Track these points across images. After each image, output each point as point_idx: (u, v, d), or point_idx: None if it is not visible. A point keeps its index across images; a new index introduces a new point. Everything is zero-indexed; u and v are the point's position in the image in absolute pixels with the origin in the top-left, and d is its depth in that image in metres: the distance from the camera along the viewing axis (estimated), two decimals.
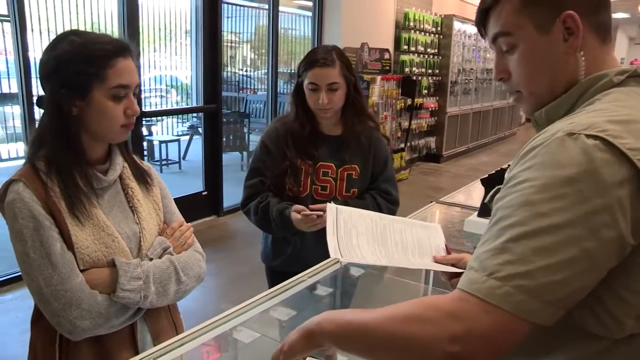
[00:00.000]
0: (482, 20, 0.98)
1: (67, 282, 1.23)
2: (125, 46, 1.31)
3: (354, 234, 1.25)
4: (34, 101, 3.80)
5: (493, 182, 2.12)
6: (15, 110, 5.73)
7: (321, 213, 1.91)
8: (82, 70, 1.25)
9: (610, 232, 0.71)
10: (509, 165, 2.31)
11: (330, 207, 1.25)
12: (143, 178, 1.48)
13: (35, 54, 4.03)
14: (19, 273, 1.28)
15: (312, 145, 2.07)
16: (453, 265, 1.24)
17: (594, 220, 0.71)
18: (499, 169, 2.20)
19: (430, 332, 0.73)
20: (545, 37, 0.89)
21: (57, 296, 1.23)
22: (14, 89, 4.20)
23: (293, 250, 2.13)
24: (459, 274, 1.18)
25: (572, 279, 0.72)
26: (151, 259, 1.39)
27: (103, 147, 1.38)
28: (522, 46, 0.91)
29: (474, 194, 2.73)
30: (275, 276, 2.06)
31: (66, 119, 1.27)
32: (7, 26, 4.00)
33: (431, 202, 2.58)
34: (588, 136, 0.74)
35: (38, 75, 1.33)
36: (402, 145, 7.72)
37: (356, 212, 1.28)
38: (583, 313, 0.78)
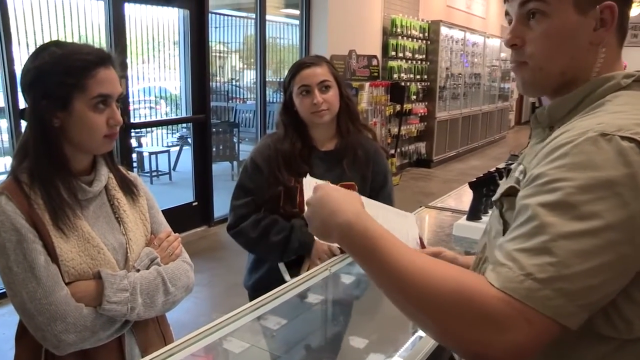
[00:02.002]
0: None
1: (51, 296, 1.22)
2: (106, 56, 1.30)
3: None
4: (19, 111, 3.78)
5: (481, 185, 2.13)
6: (2, 124, 5.69)
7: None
8: (63, 81, 1.24)
9: None
10: (497, 169, 2.32)
11: (308, 183, 1.15)
12: (129, 188, 1.46)
13: (22, 66, 4.00)
14: (3, 290, 1.27)
15: (306, 163, 1.96)
16: None
17: (632, 224, 0.70)
18: (487, 172, 2.21)
19: (464, 331, 0.72)
20: (580, 18, 0.87)
21: (42, 310, 1.21)
22: (0, 102, 4.16)
23: (270, 266, 2.04)
24: None
25: (607, 284, 0.71)
26: (138, 270, 1.37)
27: (87, 158, 1.37)
28: (554, 19, 0.88)
29: (464, 197, 2.73)
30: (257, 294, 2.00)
31: (48, 131, 1.26)
32: None
33: (420, 207, 2.58)
34: (622, 138, 0.73)
35: (20, 87, 1.32)
36: (392, 151, 7.73)
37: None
38: (594, 314, 0.77)
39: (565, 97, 0.90)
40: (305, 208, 1.00)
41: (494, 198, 0.97)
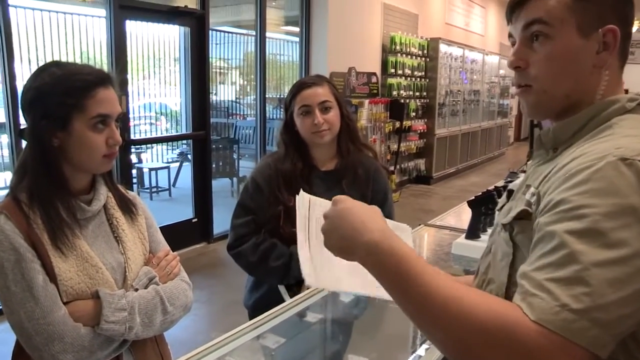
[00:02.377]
0: (521, 1, 0.92)
1: (49, 316, 1.21)
2: (105, 76, 1.31)
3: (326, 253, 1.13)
4: (19, 130, 3.81)
5: (480, 204, 2.13)
6: (3, 140, 5.72)
7: None
8: (62, 101, 1.25)
9: None
10: (495, 187, 2.32)
11: (302, 199, 1.09)
12: (128, 208, 1.47)
13: (23, 83, 4.03)
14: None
15: (306, 183, 1.95)
16: None
17: None
18: (485, 190, 2.21)
19: None
20: (582, 41, 0.88)
21: (39, 330, 1.21)
22: (2, 118, 4.19)
23: (270, 286, 2.03)
24: None
25: (638, 311, 0.71)
26: (136, 290, 1.36)
27: (86, 178, 1.37)
28: (558, 42, 0.89)
29: (463, 215, 2.73)
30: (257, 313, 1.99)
31: (47, 150, 1.27)
32: None
33: (419, 225, 2.58)
34: None
35: (20, 106, 1.33)
36: (392, 168, 7.74)
37: (326, 205, 1.15)
38: None
39: (571, 119, 0.90)
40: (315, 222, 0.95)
41: (504, 221, 0.94)
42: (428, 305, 0.75)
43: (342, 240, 0.88)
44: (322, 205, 1.09)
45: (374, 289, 0.94)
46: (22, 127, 1.35)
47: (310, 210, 1.07)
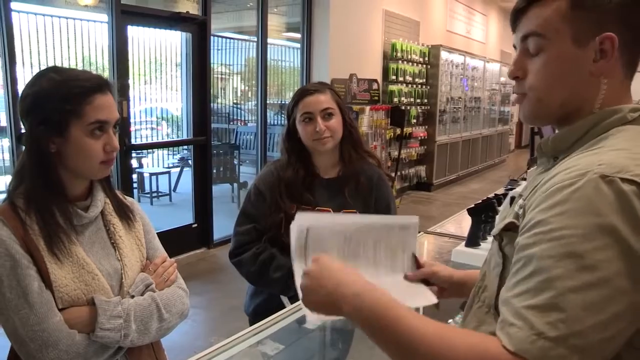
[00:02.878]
0: (521, 11, 0.92)
1: (44, 322, 1.21)
2: (103, 82, 1.31)
3: None
4: (17, 136, 3.81)
5: (479, 212, 2.13)
6: (4, 144, 5.73)
7: None
8: (59, 107, 1.24)
9: None
10: (495, 195, 2.32)
11: (299, 224, 1.09)
12: (125, 214, 1.46)
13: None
14: None
15: (308, 191, 1.95)
16: (425, 281, 1.20)
17: (638, 269, 0.69)
18: (485, 198, 2.21)
19: None
20: (578, 50, 0.87)
21: (34, 337, 1.20)
22: (3, 122, 4.20)
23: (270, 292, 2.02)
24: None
25: (620, 333, 0.70)
26: (133, 296, 1.36)
27: (84, 184, 1.37)
28: (552, 52, 0.88)
29: (463, 223, 2.72)
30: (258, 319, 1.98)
31: (44, 156, 1.27)
32: None
33: (420, 232, 2.58)
34: (623, 180, 0.72)
35: (18, 111, 1.33)
36: (392, 175, 7.74)
37: (327, 227, 1.13)
38: None
39: (570, 128, 0.89)
40: (301, 280, 0.98)
41: (493, 232, 0.96)
42: (415, 350, 0.77)
43: (327, 297, 0.92)
44: (317, 226, 1.07)
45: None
46: (20, 132, 1.35)
47: (307, 236, 1.07)
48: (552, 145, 0.92)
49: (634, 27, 0.86)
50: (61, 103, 1.25)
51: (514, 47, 0.97)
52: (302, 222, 1.07)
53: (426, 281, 1.21)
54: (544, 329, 0.69)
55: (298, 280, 1.02)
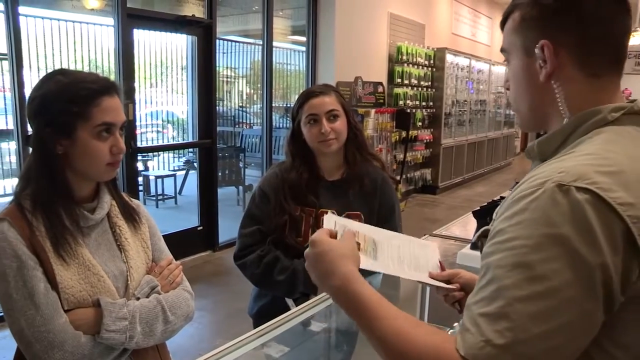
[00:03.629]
0: (502, 27, 1.00)
1: (50, 323, 1.21)
2: (110, 84, 1.32)
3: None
4: (26, 137, 3.84)
5: (485, 214, 2.12)
6: (11, 147, 5.77)
7: None
8: (67, 110, 1.25)
9: (604, 290, 0.71)
10: (501, 197, 2.32)
11: (328, 217, 1.15)
12: (131, 216, 1.47)
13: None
14: (2, 313, 1.27)
15: (312, 193, 1.95)
16: (447, 281, 1.23)
17: (590, 279, 0.70)
18: (490, 200, 2.20)
19: None
20: (529, 60, 0.91)
21: (40, 338, 1.20)
22: (10, 125, 4.23)
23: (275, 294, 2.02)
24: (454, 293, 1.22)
25: (570, 342, 0.71)
26: (138, 298, 1.36)
27: (90, 186, 1.38)
28: (512, 63, 0.95)
29: (468, 225, 2.72)
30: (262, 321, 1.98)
31: (51, 158, 1.27)
32: (6, 64, 4.05)
33: (425, 235, 2.57)
34: (578, 189, 0.72)
35: (26, 114, 1.34)
36: (398, 177, 7.73)
37: (353, 225, 1.21)
38: None
39: (552, 133, 0.91)
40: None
41: (472, 239, 1.00)
42: (381, 341, 0.82)
43: (317, 280, 0.98)
44: (344, 222, 1.16)
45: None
46: (29, 134, 1.36)
47: (335, 225, 1.13)
48: (537, 150, 0.93)
49: (574, 29, 0.87)
50: (68, 105, 1.26)
51: None
52: (332, 217, 1.15)
53: (448, 282, 1.25)
54: (492, 336, 0.71)
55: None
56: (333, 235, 1.04)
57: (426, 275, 1.24)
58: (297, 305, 1.86)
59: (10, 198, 1.33)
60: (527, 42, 0.91)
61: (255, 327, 1.93)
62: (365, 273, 0.98)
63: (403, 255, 1.24)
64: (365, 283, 0.90)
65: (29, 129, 1.35)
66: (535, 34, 0.89)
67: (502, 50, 0.98)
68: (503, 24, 0.98)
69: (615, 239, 0.71)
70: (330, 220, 1.13)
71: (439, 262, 1.30)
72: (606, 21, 0.86)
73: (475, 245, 2.08)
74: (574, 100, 0.88)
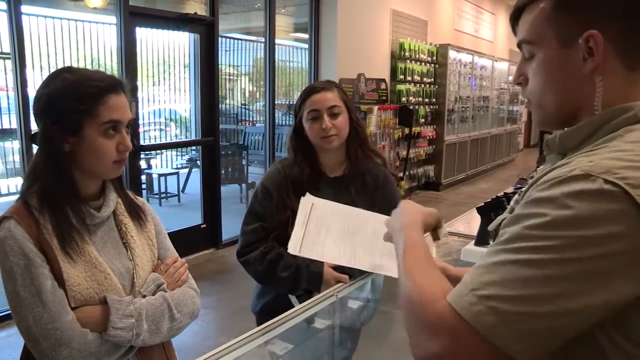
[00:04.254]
0: (516, 18, 0.95)
1: (57, 321, 1.22)
2: (117, 82, 1.32)
3: (323, 232, 1.21)
4: (31, 135, 3.84)
5: (489, 210, 2.12)
6: (15, 146, 5.78)
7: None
8: (74, 107, 1.26)
9: (608, 281, 0.70)
10: (505, 193, 2.31)
11: (305, 200, 1.19)
12: (137, 214, 1.47)
13: (35, 90, 4.07)
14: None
15: (314, 188, 1.92)
16: None
17: (590, 267, 0.69)
18: (494, 197, 2.20)
19: (411, 332, 0.80)
20: (566, 51, 0.86)
21: (47, 335, 1.21)
22: (14, 124, 4.24)
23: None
24: None
25: (555, 317, 0.70)
26: (144, 296, 1.37)
27: (96, 183, 1.38)
28: (541, 56, 0.89)
29: (472, 222, 2.71)
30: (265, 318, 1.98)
31: (58, 156, 1.28)
32: (9, 63, 4.06)
33: (426, 233, 2.56)
34: (606, 181, 0.71)
35: (32, 111, 1.34)
36: (401, 174, 7.73)
37: (330, 208, 1.22)
38: None
39: (578, 126, 0.88)
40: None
41: (489, 228, 1.02)
42: (401, 276, 0.89)
43: (395, 223, 1.10)
44: (322, 206, 1.14)
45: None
46: (33, 132, 1.36)
47: (311, 209, 1.17)
48: (559, 143, 0.91)
49: (620, 19, 0.83)
50: (75, 103, 1.26)
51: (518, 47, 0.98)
52: (309, 198, 1.19)
53: None
54: (478, 286, 0.73)
55: (294, 240, 1.20)
56: None
57: (395, 263, 1.24)
58: (300, 303, 1.86)
59: (14, 197, 1.33)
60: (564, 32, 0.85)
61: (258, 324, 1.93)
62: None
63: (378, 242, 1.24)
64: (418, 230, 1.05)
65: (33, 127, 1.36)
66: (575, 24, 0.84)
67: (524, 42, 0.91)
68: (518, 15, 0.93)
69: (634, 235, 0.70)
70: (308, 200, 1.16)
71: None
72: None
73: (487, 237, 2.09)
74: (610, 94, 0.85)
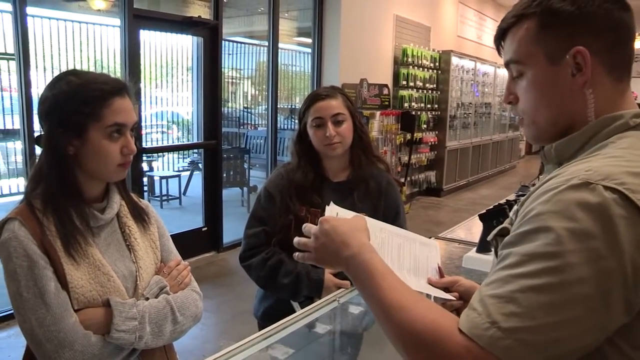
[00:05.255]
0: (500, 38, 0.96)
1: (60, 323, 1.22)
2: (122, 85, 1.33)
3: None
4: (35, 137, 3.86)
5: (491, 217, 2.12)
6: (17, 146, 5.79)
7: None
8: (79, 110, 1.26)
9: (621, 293, 0.70)
10: (507, 201, 2.32)
11: (330, 209, 1.16)
12: (140, 216, 1.47)
13: (38, 91, 4.08)
14: (13, 311, 1.27)
15: (317, 193, 1.95)
16: (446, 289, 1.22)
17: (606, 280, 0.70)
18: (496, 204, 2.20)
19: None
20: (554, 68, 0.88)
21: (50, 337, 1.21)
22: (17, 125, 4.24)
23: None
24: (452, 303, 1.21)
25: (574, 337, 0.71)
26: (147, 299, 1.37)
27: (100, 186, 1.38)
28: (531, 74, 0.91)
29: (474, 228, 2.71)
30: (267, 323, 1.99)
31: (63, 158, 1.28)
32: (13, 64, 4.07)
33: (430, 237, 2.57)
34: (606, 188, 0.72)
35: (37, 114, 1.34)
36: (402, 180, 7.73)
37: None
38: None
39: (572, 136, 0.90)
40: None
41: (488, 237, 0.98)
42: (384, 311, 0.84)
43: (332, 256, 1.00)
44: (347, 215, 1.13)
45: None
46: (37, 134, 1.37)
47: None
48: (555, 154, 0.93)
49: (604, 33, 0.86)
50: (80, 106, 1.26)
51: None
52: (334, 208, 1.17)
53: (447, 289, 1.23)
54: (499, 318, 0.72)
55: None
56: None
57: (425, 281, 1.23)
58: (302, 308, 1.86)
59: (16, 197, 1.34)
60: (551, 50, 0.88)
61: (260, 328, 1.95)
62: None
63: (403, 257, 1.23)
64: (377, 254, 0.93)
65: (35, 128, 1.36)
66: (561, 42, 0.87)
67: (511, 62, 0.94)
68: (503, 36, 0.95)
69: (639, 242, 0.70)
70: (333, 210, 1.14)
71: (438, 266, 1.28)
72: (627, 25, 0.88)
73: (488, 244, 2.09)
74: (601, 105, 0.88)
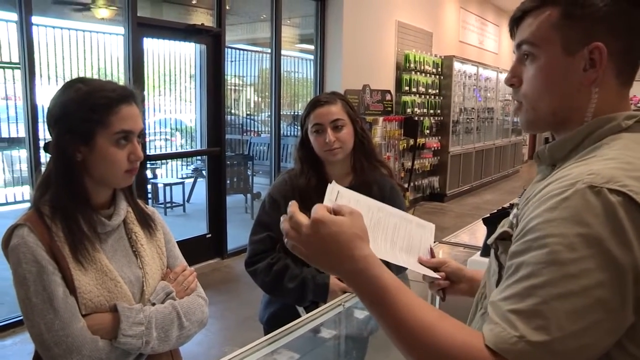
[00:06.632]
0: (517, 20, 0.95)
1: (68, 328, 1.23)
2: (129, 93, 1.35)
3: None
4: (40, 145, 3.89)
5: (495, 221, 2.12)
6: (22, 154, 5.82)
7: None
8: (86, 117, 1.28)
9: (632, 292, 0.72)
10: (510, 204, 2.31)
11: (332, 187, 1.15)
12: (147, 223, 1.49)
13: (43, 99, 4.11)
14: (19, 317, 1.29)
15: (321, 198, 1.98)
16: (434, 269, 1.25)
17: (621, 280, 0.71)
18: (500, 207, 2.20)
19: None
20: (568, 59, 0.88)
21: (58, 342, 1.22)
22: (22, 133, 4.27)
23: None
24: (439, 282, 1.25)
25: (599, 341, 0.72)
26: (154, 304, 1.38)
27: (107, 192, 1.40)
28: (543, 60, 0.90)
29: (477, 233, 2.72)
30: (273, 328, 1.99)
31: (71, 164, 1.30)
32: (18, 73, 4.10)
33: (435, 242, 2.57)
34: (611, 191, 0.73)
35: (45, 121, 1.36)
36: (406, 185, 7.73)
37: (355, 198, 1.19)
38: None
39: (565, 137, 0.90)
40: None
41: (488, 241, 0.98)
42: (401, 333, 0.80)
43: (329, 267, 0.91)
44: (347, 195, 1.15)
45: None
46: (44, 141, 1.39)
47: (338, 196, 1.15)
48: (548, 154, 0.93)
49: (623, 36, 0.86)
50: (88, 113, 1.28)
51: (514, 53, 0.99)
52: (335, 186, 1.16)
53: (435, 269, 1.27)
54: (527, 333, 0.72)
55: None
56: (329, 210, 0.98)
57: (415, 260, 1.26)
58: (307, 312, 1.87)
59: (21, 205, 1.35)
60: (570, 41, 0.87)
61: (266, 333, 1.94)
62: None
63: (397, 236, 1.24)
64: (385, 268, 0.86)
65: (41, 136, 1.38)
66: (581, 35, 0.86)
67: (526, 42, 0.92)
68: (521, 18, 0.94)
69: None
70: (334, 189, 1.14)
71: (430, 247, 1.31)
72: None
73: (489, 248, 2.09)
74: (602, 106, 0.88)
